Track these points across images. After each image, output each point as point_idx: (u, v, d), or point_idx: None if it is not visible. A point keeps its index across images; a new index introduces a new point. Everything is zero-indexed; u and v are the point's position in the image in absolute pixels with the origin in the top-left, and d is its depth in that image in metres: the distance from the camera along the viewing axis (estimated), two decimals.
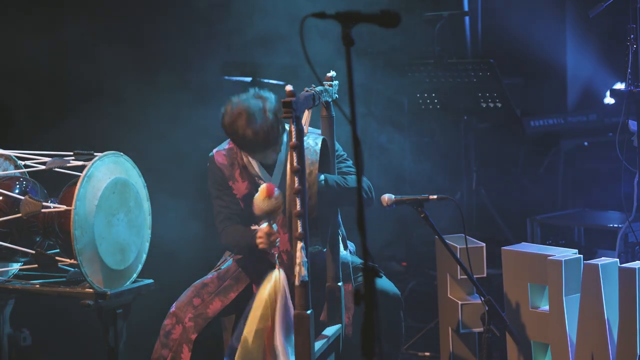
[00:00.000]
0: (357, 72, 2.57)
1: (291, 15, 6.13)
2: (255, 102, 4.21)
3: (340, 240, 4.47)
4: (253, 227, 4.24)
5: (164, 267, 5.83)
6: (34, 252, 4.34)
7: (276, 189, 4.07)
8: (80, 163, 4.37)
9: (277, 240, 4.17)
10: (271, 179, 4.40)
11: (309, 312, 3.78)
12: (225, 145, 4.49)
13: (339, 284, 4.23)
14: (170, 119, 6.06)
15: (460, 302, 4.90)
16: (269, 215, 4.10)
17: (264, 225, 4.13)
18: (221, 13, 6.50)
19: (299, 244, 3.72)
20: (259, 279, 4.21)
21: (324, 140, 4.09)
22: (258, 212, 4.07)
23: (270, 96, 4.25)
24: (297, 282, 3.74)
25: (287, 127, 4.24)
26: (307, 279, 3.74)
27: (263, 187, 4.06)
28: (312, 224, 3.91)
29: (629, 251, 5.59)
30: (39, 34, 6.14)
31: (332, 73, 4.22)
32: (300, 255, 3.70)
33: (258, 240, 4.17)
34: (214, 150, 4.49)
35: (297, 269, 3.72)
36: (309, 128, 4.28)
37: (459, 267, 4.70)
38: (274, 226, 4.15)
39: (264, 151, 4.28)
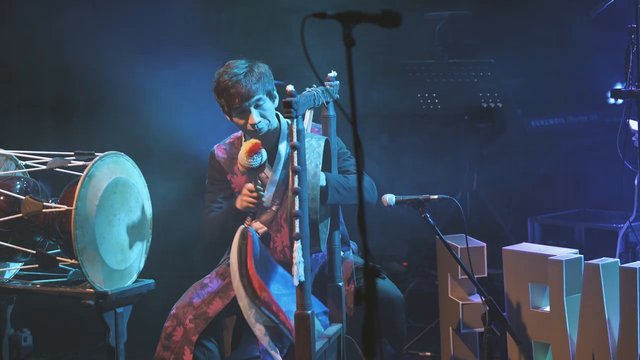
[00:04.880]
0: (357, 72, 2.57)
1: (289, 13, 6.13)
2: (243, 60, 4.39)
3: (343, 241, 4.48)
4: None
5: (164, 267, 5.84)
6: (34, 252, 4.34)
7: (262, 149, 4.14)
8: (81, 163, 4.37)
9: (258, 199, 4.24)
10: (272, 173, 4.41)
11: (309, 312, 3.78)
12: (227, 139, 4.54)
13: (340, 283, 4.22)
14: (171, 119, 6.06)
15: (461, 302, 4.90)
16: (250, 172, 4.17)
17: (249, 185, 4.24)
18: (221, 12, 6.50)
19: (296, 244, 3.73)
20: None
21: (326, 141, 4.10)
22: (241, 169, 4.17)
23: (262, 63, 4.41)
24: (295, 283, 3.76)
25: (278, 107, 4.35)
26: (304, 279, 3.75)
27: (248, 142, 4.15)
28: (312, 225, 3.90)
29: (630, 251, 5.59)
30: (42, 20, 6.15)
31: (333, 73, 4.23)
32: (296, 256, 3.72)
33: (240, 198, 4.25)
34: (215, 145, 4.55)
35: (294, 269, 3.74)
36: (312, 124, 4.29)
37: (459, 267, 4.70)
38: (259, 187, 4.23)
39: (237, 97, 4.29)
